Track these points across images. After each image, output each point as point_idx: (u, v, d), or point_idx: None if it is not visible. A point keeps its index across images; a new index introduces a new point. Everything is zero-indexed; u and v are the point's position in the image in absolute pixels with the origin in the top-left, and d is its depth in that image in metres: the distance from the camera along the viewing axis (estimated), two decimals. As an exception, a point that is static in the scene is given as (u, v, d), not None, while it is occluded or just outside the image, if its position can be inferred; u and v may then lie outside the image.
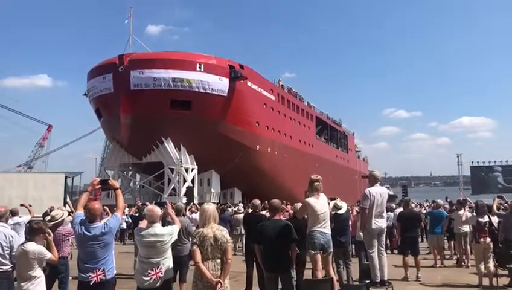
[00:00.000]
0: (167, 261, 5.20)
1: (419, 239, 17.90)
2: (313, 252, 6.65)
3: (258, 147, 37.68)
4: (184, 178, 34.11)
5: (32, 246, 5.16)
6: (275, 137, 41.19)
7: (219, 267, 4.65)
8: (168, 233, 5.23)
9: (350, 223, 9.76)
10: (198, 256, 4.63)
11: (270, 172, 38.49)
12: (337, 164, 61.02)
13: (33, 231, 5.37)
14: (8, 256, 5.62)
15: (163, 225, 5.73)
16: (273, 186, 34.84)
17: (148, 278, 5.00)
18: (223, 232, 4.77)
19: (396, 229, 10.39)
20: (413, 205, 19.79)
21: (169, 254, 5.27)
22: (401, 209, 11.75)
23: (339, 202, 8.84)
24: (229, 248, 4.75)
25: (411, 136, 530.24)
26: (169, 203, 6.84)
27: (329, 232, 6.90)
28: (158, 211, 5.42)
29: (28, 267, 5.10)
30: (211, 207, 4.97)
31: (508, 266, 8.44)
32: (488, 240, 8.78)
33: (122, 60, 32.45)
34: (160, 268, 5.06)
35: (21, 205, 11.13)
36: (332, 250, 6.95)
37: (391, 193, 65.47)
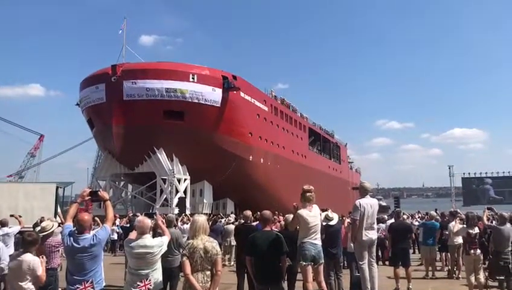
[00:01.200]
0: (156, 273, 5.17)
1: (411, 250, 18.05)
2: (304, 263, 6.65)
3: (251, 157, 37.67)
4: (176, 188, 33.96)
5: (29, 257, 5.14)
6: (267, 148, 41.23)
7: (209, 279, 4.65)
8: (158, 245, 5.21)
9: (342, 234, 9.76)
10: (188, 268, 4.61)
11: (262, 183, 38.44)
12: (330, 175, 61.15)
13: (27, 243, 5.33)
14: (-5, 268, 5.58)
15: (154, 236, 5.72)
16: (266, 197, 34.76)
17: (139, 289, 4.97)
18: (213, 244, 4.77)
19: (387, 241, 10.35)
20: (404, 217, 19.93)
21: (158, 265, 5.25)
22: (393, 220, 11.78)
23: (330, 213, 8.84)
24: (219, 260, 4.75)
25: (403, 147, 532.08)
26: (159, 215, 6.82)
27: (320, 244, 6.91)
28: (148, 222, 5.40)
29: (21, 278, 5.05)
30: (201, 219, 4.97)
31: (498, 277, 8.46)
32: (478, 251, 8.83)
33: (115, 70, 32.42)
34: (150, 280, 5.03)
35: (11, 215, 11.05)
36: (323, 261, 6.95)
37: (384, 203, 65.96)
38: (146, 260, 5.10)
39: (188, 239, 5.04)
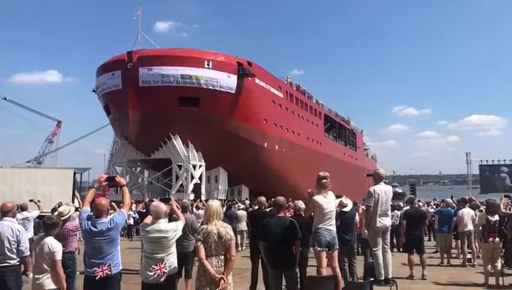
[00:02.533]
0: (172, 257, 5.23)
1: (427, 238, 17.99)
2: (319, 249, 6.69)
3: (265, 144, 37.68)
4: (192, 175, 34.22)
5: (51, 240, 5.24)
6: (282, 134, 41.17)
7: (223, 264, 4.69)
8: (173, 229, 5.26)
9: (357, 220, 9.77)
10: (202, 252, 4.66)
11: (277, 169, 38.48)
12: (346, 162, 60.93)
13: (48, 226, 5.42)
14: (15, 250, 5.71)
15: (170, 221, 5.79)
16: (281, 184, 34.82)
17: (152, 273, 5.03)
18: (227, 229, 4.80)
19: (401, 228, 10.32)
20: (420, 204, 19.82)
21: (173, 249, 5.30)
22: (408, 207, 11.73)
23: (344, 199, 8.84)
24: (233, 245, 4.78)
25: (420, 134, 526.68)
26: (173, 200, 6.88)
27: (335, 230, 6.94)
28: (163, 207, 5.45)
29: (44, 261, 5.16)
30: (215, 204, 5.00)
31: (514, 265, 8.40)
32: (497, 239, 8.74)
33: (131, 57, 32.57)
34: (165, 264, 5.10)
35: (30, 200, 11.28)
36: (337, 247, 6.98)
37: (400, 191, 65.48)
38: (161, 244, 5.16)
39: (202, 224, 5.09)
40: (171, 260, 5.22)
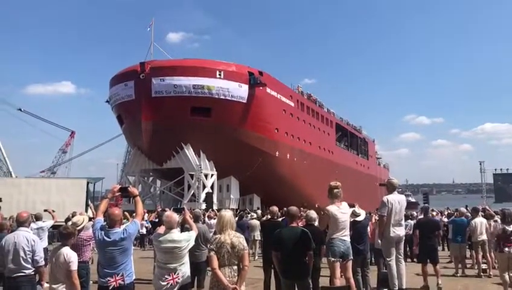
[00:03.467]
0: (184, 267, 5.27)
1: (440, 247, 17.75)
2: (333, 259, 6.66)
3: (277, 153, 37.68)
4: (204, 184, 34.31)
5: (67, 250, 5.29)
6: (294, 143, 41.13)
7: (236, 274, 4.69)
8: (185, 239, 5.30)
9: (369, 230, 9.68)
10: (215, 262, 4.66)
11: (289, 178, 38.41)
12: (357, 171, 60.57)
13: (64, 236, 5.47)
14: (30, 260, 5.76)
15: (182, 231, 5.82)
16: (292, 193, 34.76)
17: (165, 283, 5.07)
18: (240, 239, 4.80)
19: (414, 237, 10.17)
20: (434, 213, 19.59)
21: (186, 259, 5.34)
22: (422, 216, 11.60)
23: (357, 209, 8.79)
24: (246, 255, 4.78)
25: (432, 142, 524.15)
26: (187, 210, 6.92)
27: (349, 240, 6.91)
28: (176, 217, 5.50)
29: (60, 271, 5.21)
30: (228, 214, 5.00)
31: (530, 276, 8.25)
32: (513, 249, 8.61)
33: (143, 68, 32.93)
34: (178, 274, 5.13)
35: (45, 210, 11.39)
36: (351, 257, 6.94)
37: (413, 200, 64.90)
38: (174, 254, 5.20)
39: (214, 234, 5.10)
40: (184, 270, 5.25)
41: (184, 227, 6.86)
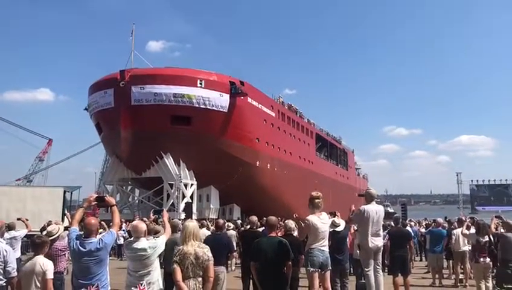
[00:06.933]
0: (153, 274, 5.27)
1: (418, 258, 17.94)
2: (312, 269, 6.66)
3: (257, 163, 37.67)
4: (183, 194, 34.03)
5: (42, 259, 5.17)
6: (274, 153, 41.21)
7: (201, 286, 4.58)
8: (151, 246, 5.28)
9: (348, 240, 9.71)
10: (179, 274, 4.55)
11: (269, 188, 38.40)
12: (337, 181, 61.00)
13: (37, 245, 5.35)
14: (1, 271, 5.61)
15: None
16: (273, 203, 34.72)
17: None
18: (204, 250, 4.70)
19: (385, 248, 10.04)
20: (412, 224, 19.80)
21: (155, 266, 5.35)
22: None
23: (337, 219, 8.83)
24: (211, 266, 4.66)
25: (411, 153, 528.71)
26: (165, 212, 6.88)
27: (328, 250, 6.92)
28: (143, 226, 5.54)
29: (34, 282, 5.08)
30: (191, 224, 4.92)
31: (505, 286, 8.39)
32: (488, 259, 8.77)
33: (123, 75, 32.62)
34: (144, 285, 5.14)
35: (18, 219, 11.12)
36: (330, 268, 6.95)
37: (391, 210, 65.54)
38: (141, 262, 5.21)
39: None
40: (153, 277, 5.26)
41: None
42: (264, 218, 10.68)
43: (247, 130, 36.46)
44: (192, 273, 4.56)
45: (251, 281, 7.63)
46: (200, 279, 4.59)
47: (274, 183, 39.32)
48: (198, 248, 4.66)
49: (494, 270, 9.08)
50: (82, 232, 5.09)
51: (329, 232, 7.62)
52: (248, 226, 10.05)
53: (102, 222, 12.88)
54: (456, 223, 12.72)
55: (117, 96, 32.81)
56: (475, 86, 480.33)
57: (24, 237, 10.37)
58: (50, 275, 5.10)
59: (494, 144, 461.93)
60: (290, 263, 5.94)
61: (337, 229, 8.55)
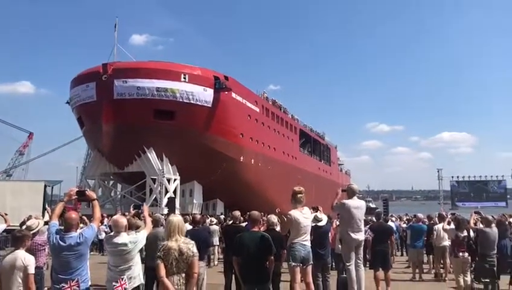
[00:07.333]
0: (134, 269, 5.28)
1: (399, 253, 18.17)
2: (293, 264, 6.69)
3: (241, 158, 37.66)
4: (166, 189, 33.86)
5: (23, 253, 5.09)
6: (258, 149, 41.25)
7: (184, 282, 4.51)
8: (132, 241, 5.28)
9: (330, 235, 9.77)
10: (162, 270, 4.46)
11: (253, 184, 38.45)
12: (320, 177, 61.33)
13: (18, 239, 5.26)
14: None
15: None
16: (256, 198, 34.72)
17: (116, 289, 5.11)
18: (189, 245, 4.59)
19: (367, 243, 10.10)
20: (393, 219, 20.03)
21: (136, 261, 5.35)
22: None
23: (319, 214, 8.87)
24: (195, 262, 4.58)
25: (393, 150, 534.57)
26: (146, 206, 6.85)
27: (309, 245, 6.96)
28: (123, 221, 5.53)
29: (15, 276, 4.99)
30: (175, 219, 4.79)
31: (483, 279, 8.55)
32: (466, 254, 8.92)
33: (106, 69, 32.25)
34: (125, 280, 5.15)
35: (-4, 213, 10.92)
36: (312, 262, 6.99)
37: (373, 206, 66.23)
38: (121, 257, 5.22)
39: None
40: (132, 271, 5.27)
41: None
42: (248, 213, 10.69)
43: (231, 125, 36.40)
44: (176, 269, 4.48)
45: (233, 276, 7.63)
46: (184, 275, 4.51)
47: (258, 179, 39.39)
48: (182, 244, 4.57)
49: (473, 265, 9.25)
50: (62, 227, 5.04)
51: (312, 227, 7.66)
52: (231, 221, 10.03)
53: (83, 217, 12.75)
54: (436, 219, 12.89)
55: (99, 89, 32.43)
56: (459, 83, 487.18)
57: (3, 231, 10.20)
58: (31, 270, 5.02)
59: (474, 141, 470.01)
60: (272, 257, 5.96)
61: (320, 224, 8.59)
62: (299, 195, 6.92)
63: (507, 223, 15.05)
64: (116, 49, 36.10)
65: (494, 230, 8.87)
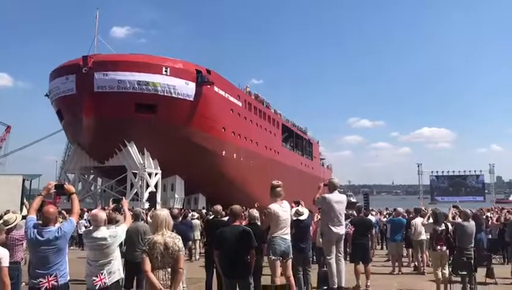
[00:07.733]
0: (113, 263, 5.25)
1: (379, 246, 18.38)
2: (273, 257, 6.71)
3: (224, 152, 37.60)
4: (147, 183, 33.65)
5: None
6: (241, 143, 41.21)
7: (169, 277, 4.45)
8: (112, 235, 5.26)
9: (312, 229, 9.82)
10: (148, 265, 4.40)
11: (235, 178, 38.44)
12: (302, 171, 61.59)
13: None
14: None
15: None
16: (238, 193, 34.76)
17: (95, 285, 5.09)
18: (175, 240, 4.53)
19: (348, 236, 10.20)
20: (373, 213, 20.25)
21: (115, 256, 5.33)
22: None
23: (301, 208, 8.90)
24: (181, 256, 4.53)
25: (374, 145, 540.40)
26: (125, 200, 6.79)
27: (289, 239, 6.99)
28: (102, 215, 5.49)
29: None
30: (163, 213, 4.74)
31: (460, 272, 8.70)
32: (445, 248, 9.05)
33: (86, 61, 31.76)
34: (105, 275, 5.12)
35: (-28, 208, 10.73)
36: (292, 256, 7.02)
37: (354, 200, 66.91)
38: (100, 251, 5.19)
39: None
40: (112, 266, 5.25)
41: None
42: (230, 207, 10.68)
43: (213, 119, 36.28)
44: (162, 263, 4.42)
45: (215, 270, 7.62)
46: (169, 270, 4.45)
47: (240, 173, 39.38)
48: (168, 238, 4.50)
49: (451, 258, 9.40)
50: (40, 221, 4.96)
51: (293, 220, 7.70)
52: (213, 216, 10.01)
53: (63, 211, 12.59)
54: (413, 213, 13.06)
55: (79, 82, 31.98)
56: (439, 80, 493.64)
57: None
58: (5, 262, 4.93)
59: (453, 136, 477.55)
60: (254, 251, 5.96)
61: (301, 217, 8.61)
62: (277, 189, 6.94)
63: (484, 217, 15.40)
64: (97, 41, 35.67)
65: (471, 224, 9.02)
